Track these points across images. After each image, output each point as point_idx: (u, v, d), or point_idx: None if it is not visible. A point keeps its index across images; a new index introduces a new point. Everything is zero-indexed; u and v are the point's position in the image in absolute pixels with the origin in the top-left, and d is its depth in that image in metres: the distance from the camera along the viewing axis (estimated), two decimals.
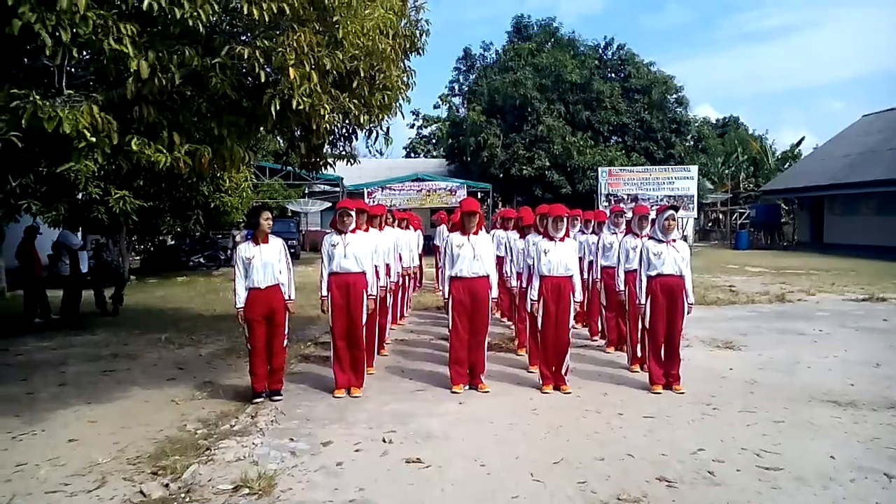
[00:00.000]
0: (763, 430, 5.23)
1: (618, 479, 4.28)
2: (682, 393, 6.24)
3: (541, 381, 6.48)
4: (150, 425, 5.45)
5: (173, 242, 23.05)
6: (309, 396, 6.26)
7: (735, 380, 6.79)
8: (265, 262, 5.96)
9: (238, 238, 17.53)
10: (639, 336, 6.92)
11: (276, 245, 6.12)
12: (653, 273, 6.40)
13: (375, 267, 6.93)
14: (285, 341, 6.23)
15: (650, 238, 6.55)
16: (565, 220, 6.54)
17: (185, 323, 10.69)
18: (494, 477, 4.32)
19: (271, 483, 4.16)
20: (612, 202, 24.31)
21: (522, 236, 7.82)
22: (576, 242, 6.88)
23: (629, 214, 7.75)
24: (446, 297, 6.53)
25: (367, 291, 6.39)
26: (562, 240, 6.46)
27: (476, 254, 6.31)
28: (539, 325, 6.50)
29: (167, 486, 4.18)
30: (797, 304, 12.52)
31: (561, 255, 6.40)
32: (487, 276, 6.40)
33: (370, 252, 6.56)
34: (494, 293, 6.51)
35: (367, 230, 7.08)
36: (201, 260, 21.21)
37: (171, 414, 5.82)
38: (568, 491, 4.09)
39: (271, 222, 6.12)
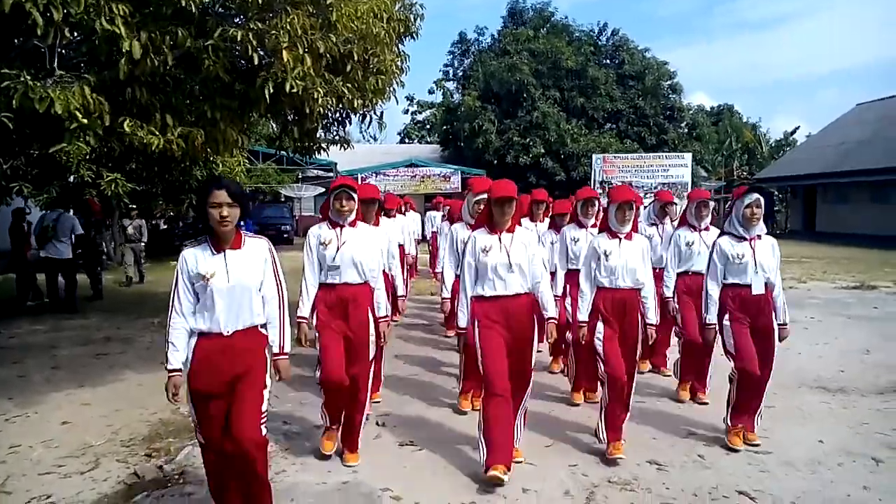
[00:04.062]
0: None
1: (608, 462, 4.32)
2: (758, 444, 4.58)
3: (603, 436, 4.50)
4: (143, 408, 5.46)
5: (166, 226, 22.96)
6: (303, 380, 6.26)
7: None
8: (233, 285, 3.19)
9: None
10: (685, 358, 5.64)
11: (255, 253, 3.32)
12: (729, 281, 4.67)
13: (388, 274, 5.32)
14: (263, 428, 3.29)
15: (725, 233, 4.76)
16: (634, 207, 4.63)
17: None
18: None
19: None
20: (606, 189, 24.29)
21: (555, 227, 6.34)
22: (645, 240, 4.81)
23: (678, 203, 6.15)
24: (461, 324, 4.25)
25: (372, 312, 4.37)
26: (628, 237, 4.58)
27: (512, 261, 4.11)
28: (602, 356, 4.52)
29: (161, 467, 4.20)
30: (788, 291, 12.45)
31: (628, 258, 4.51)
32: (530, 294, 4.20)
33: (377, 253, 4.53)
34: (552, 312, 4.24)
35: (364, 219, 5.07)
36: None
37: (165, 397, 5.80)
38: (560, 474, 4.13)
39: (226, 214, 3.14)
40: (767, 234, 4.75)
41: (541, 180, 29.26)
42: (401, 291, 5.71)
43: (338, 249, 4.27)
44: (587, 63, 31.59)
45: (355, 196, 4.37)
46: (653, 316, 4.62)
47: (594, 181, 27.36)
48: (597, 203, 5.79)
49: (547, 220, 6.88)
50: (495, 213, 4.18)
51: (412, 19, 7.34)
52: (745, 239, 4.65)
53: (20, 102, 4.18)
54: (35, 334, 8.65)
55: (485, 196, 4.75)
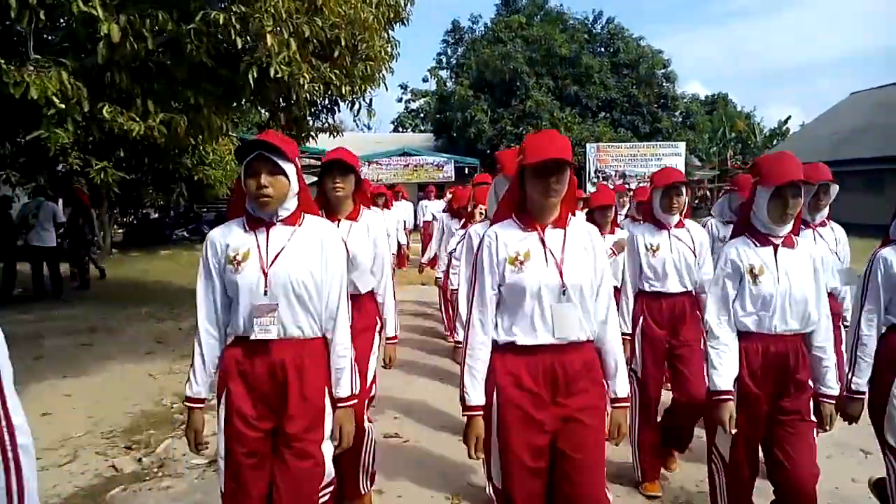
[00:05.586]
0: None
1: (615, 460, 4.26)
2: None
3: None
4: (125, 399, 5.37)
5: (156, 215, 22.82)
6: None
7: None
8: None
9: None
10: None
11: None
12: (891, 320, 2.89)
13: (374, 306, 3.43)
14: None
15: (890, 243, 2.93)
16: (803, 193, 2.68)
17: (167, 296, 10.57)
18: None
19: None
20: (600, 179, 24.16)
21: (597, 224, 4.26)
22: (818, 249, 3.06)
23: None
24: (472, 402, 2.31)
25: (329, 391, 2.40)
26: (788, 242, 2.72)
27: (567, 281, 2.27)
28: (730, 462, 2.82)
29: (140, 460, 4.13)
30: None
31: (792, 279, 2.67)
32: (591, 345, 2.37)
33: (341, 274, 2.41)
34: (622, 390, 2.40)
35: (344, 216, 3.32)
36: (185, 233, 21.00)
37: (148, 388, 5.74)
38: None
39: None
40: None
41: None
42: (391, 330, 3.54)
43: (263, 271, 2.28)
44: (581, 51, 31.46)
45: (287, 168, 2.30)
46: (833, 381, 2.76)
47: (588, 171, 27.26)
48: (684, 192, 3.73)
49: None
50: (533, 194, 2.31)
51: (402, 4, 7.21)
52: None
53: None
54: (21, 324, 8.52)
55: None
